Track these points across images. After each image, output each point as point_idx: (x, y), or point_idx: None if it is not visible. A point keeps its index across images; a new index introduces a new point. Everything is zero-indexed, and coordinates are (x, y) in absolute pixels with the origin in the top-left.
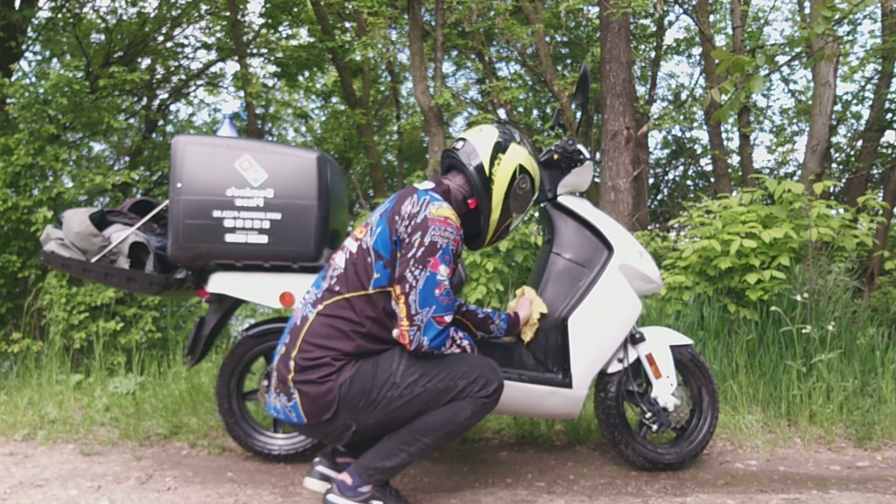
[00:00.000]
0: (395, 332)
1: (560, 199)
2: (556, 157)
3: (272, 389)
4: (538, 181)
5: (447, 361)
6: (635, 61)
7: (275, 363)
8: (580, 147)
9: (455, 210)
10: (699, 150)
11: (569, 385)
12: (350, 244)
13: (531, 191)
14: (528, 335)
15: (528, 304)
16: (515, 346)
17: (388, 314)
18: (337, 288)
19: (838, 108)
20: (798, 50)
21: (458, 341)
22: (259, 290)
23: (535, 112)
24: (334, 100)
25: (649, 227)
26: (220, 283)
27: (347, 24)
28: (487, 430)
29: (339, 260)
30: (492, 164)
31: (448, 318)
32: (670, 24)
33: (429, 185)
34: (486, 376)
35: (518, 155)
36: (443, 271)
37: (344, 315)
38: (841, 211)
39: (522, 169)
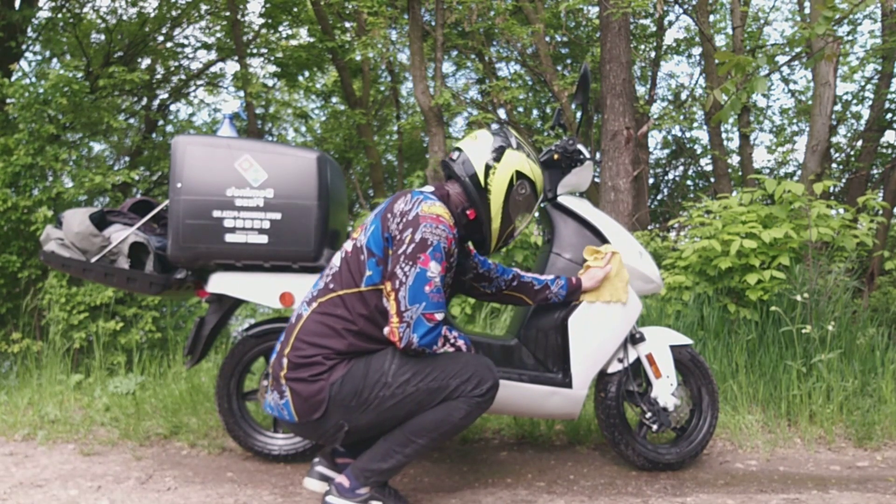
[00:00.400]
0: (386, 329)
1: (560, 199)
2: (556, 157)
3: (268, 387)
4: (540, 184)
5: (440, 360)
6: (635, 61)
7: (271, 361)
8: (580, 147)
9: (453, 216)
10: (699, 150)
11: (569, 385)
12: (347, 245)
13: (532, 195)
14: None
15: (600, 280)
16: (515, 347)
17: (381, 312)
18: (331, 285)
19: (838, 108)
20: (798, 50)
21: (453, 340)
22: (259, 290)
23: (535, 112)
24: (334, 100)
25: (649, 227)
26: (220, 283)
27: (347, 24)
28: (487, 430)
29: (335, 260)
30: (486, 175)
31: (439, 316)
32: (670, 24)
33: (429, 188)
34: (479, 375)
35: (514, 161)
36: (433, 268)
37: (337, 313)
38: (841, 211)
39: (520, 175)
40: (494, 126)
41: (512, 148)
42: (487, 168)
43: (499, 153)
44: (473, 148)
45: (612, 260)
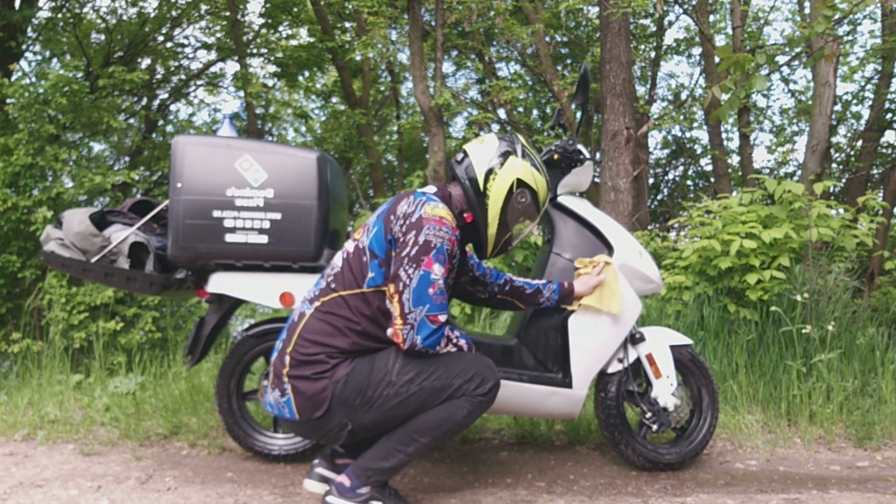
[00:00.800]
0: (390, 331)
1: (560, 199)
2: (556, 157)
3: (269, 385)
4: (543, 195)
5: (443, 360)
6: (635, 61)
7: (272, 359)
8: (580, 147)
9: (454, 218)
10: (699, 150)
11: (569, 385)
12: (348, 245)
13: (533, 204)
14: (579, 305)
15: (593, 287)
16: (515, 347)
17: (383, 313)
18: (333, 285)
19: (838, 108)
20: (798, 50)
21: (455, 340)
22: (259, 290)
23: (535, 112)
24: (334, 100)
25: (649, 227)
26: (220, 283)
27: (347, 24)
28: (487, 430)
29: (337, 259)
30: (486, 179)
31: (442, 318)
32: (670, 24)
33: (431, 189)
34: (482, 374)
35: (516, 169)
36: (437, 270)
37: (340, 312)
38: (841, 211)
39: (521, 183)
40: (501, 133)
41: (516, 155)
42: (488, 173)
43: (503, 159)
44: (478, 151)
45: (604, 269)
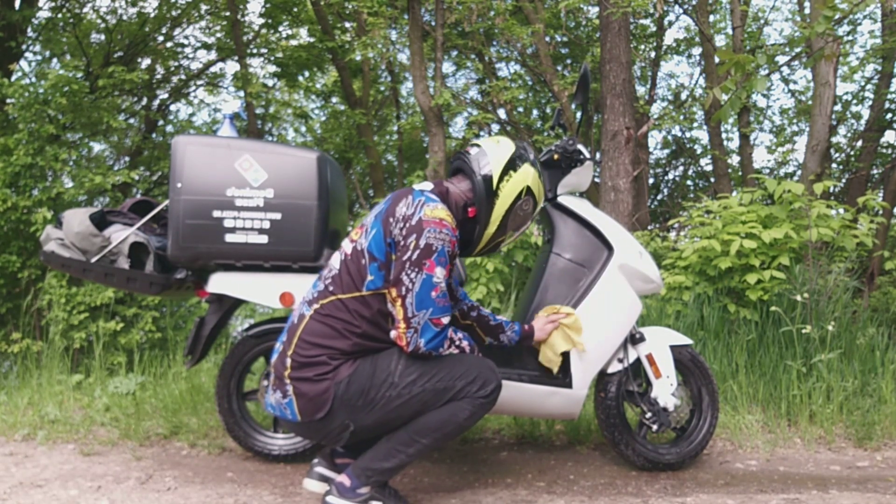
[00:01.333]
0: (393, 334)
1: (560, 199)
2: (556, 157)
3: (270, 386)
4: (539, 206)
5: (445, 362)
6: (635, 61)
7: (273, 360)
8: (580, 147)
9: (451, 212)
10: (699, 150)
11: (569, 385)
12: (346, 246)
13: (530, 214)
14: (548, 358)
15: (550, 330)
16: (516, 347)
17: (383, 315)
18: (331, 288)
19: (838, 108)
20: (798, 50)
21: (458, 342)
22: (259, 290)
23: (535, 112)
24: (334, 100)
25: (649, 227)
26: (220, 283)
27: (347, 24)
28: (487, 430)
29: (334, 261)
30: (501, 179)
31: (445, 320)
32: (670, 24)
33: (427, 185)
34: (484, 376)
35: (528, 176)
36: (439, 273)
37: (339, 315)
38: (841, 211)
39: (529, 191)
40: (507, 137)
41: (530, 163)
42: (504, 173)
43: (519, 163)
44: (495, 150)
45: (566, 317)
